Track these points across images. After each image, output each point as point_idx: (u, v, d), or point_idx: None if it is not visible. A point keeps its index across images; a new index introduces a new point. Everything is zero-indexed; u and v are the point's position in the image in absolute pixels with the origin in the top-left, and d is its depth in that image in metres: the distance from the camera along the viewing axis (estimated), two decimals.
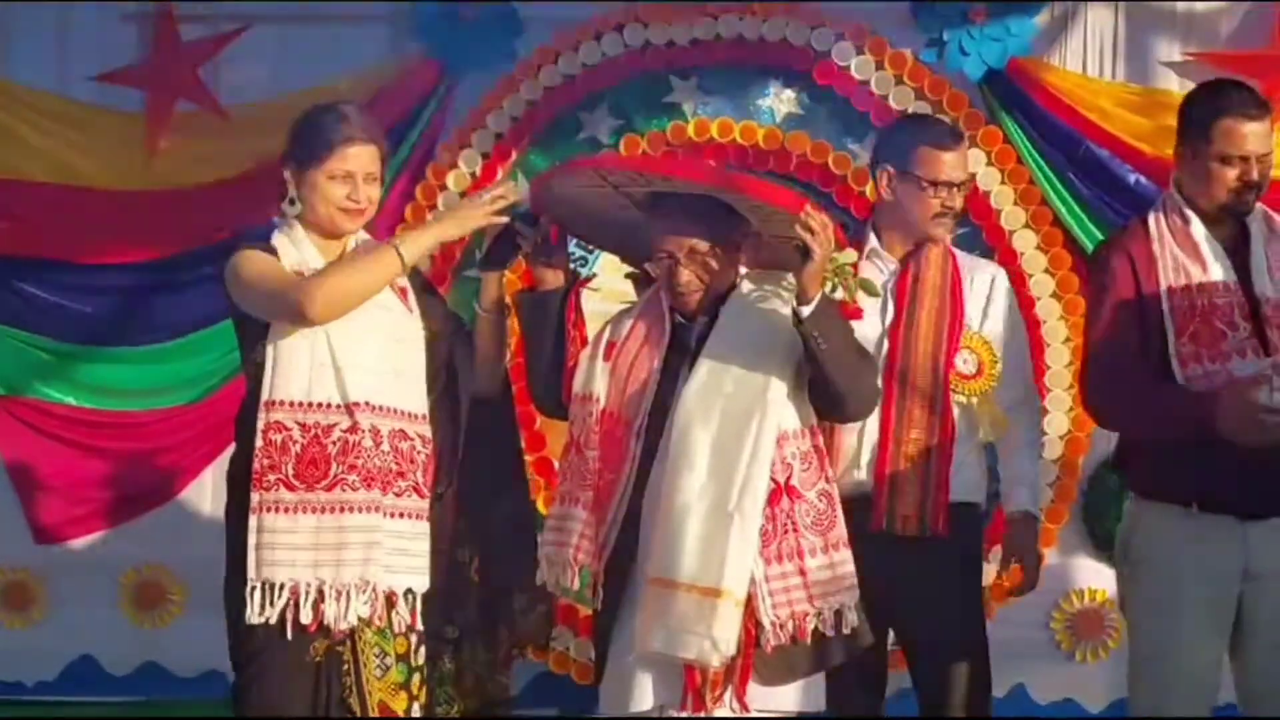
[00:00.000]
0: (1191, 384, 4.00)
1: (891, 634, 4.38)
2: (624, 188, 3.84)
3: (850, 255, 3.90)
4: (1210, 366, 4.01)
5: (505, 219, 3.88)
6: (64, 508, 6.15)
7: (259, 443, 3.73)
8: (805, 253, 3.64)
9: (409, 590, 3.82)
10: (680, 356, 3.84)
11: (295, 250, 3.87)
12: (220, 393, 5.86)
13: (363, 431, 3.75)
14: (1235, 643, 4.11)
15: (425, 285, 4.11)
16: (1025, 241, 5.69)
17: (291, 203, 3.90)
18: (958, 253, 4.46)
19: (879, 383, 4.01)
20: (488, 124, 5.89)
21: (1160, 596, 4.10)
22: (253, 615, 3.69)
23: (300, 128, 3.92)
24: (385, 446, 3.79)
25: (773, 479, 3.70)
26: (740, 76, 5.84)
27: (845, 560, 3.73)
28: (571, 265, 4.08)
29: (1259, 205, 4.18)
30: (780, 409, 3.72)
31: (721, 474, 3.67)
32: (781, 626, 3.67)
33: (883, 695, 4.43)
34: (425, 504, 3.87)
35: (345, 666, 3.79)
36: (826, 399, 3.75)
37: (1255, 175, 4.07)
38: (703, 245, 3.77)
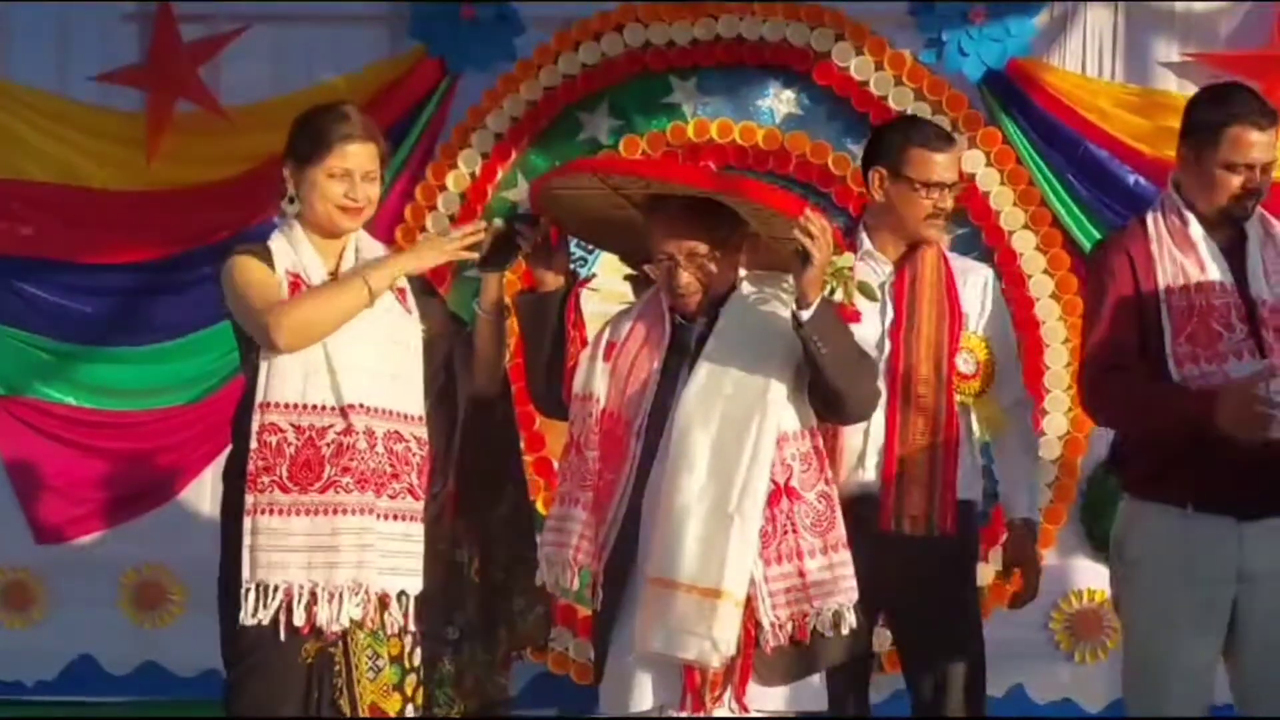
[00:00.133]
0: (1188, 385, 3.99)
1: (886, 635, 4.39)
2: (623, 189, 3.84)
3: (849, 259, 3.91)
4: (1207, 367, 3.99)
5: (473, 255, 3.86)
6: (64, 508, 6.16)
7: (253, 444, 3.72)
8: (804, 257, 3.63)
9: (402, 592, 3.82)
10: (680, 357, 3.83)
11: (292, 251, 3.86)
12: (220, 393, 5.86)
13: (357, 434, 3.74)
14: (1230, 643, 4.08)
15: (425, 286, 4.10)
16: (1024, 242, 5.69)
17: (291, 201, 3.90)
18: (949, 254, 4.46)
19: (879, 385, 4.00)
20: (487, 124, 5.90)
21: (1155, 597, 4.09)
22: (246, 616, 3.69)
23: (299, 126, 3.91)
24: (380, 448, 3.78)
25: (772, 480, 3.68)
26: (740, 77, 5.84)
27: (844, 561, 3.72)
28: (571, 266, 4.07)
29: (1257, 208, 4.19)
30: (780, 410, 3.71)
31: (721, 475, 3.66)
32: (781, 627, 3.66)
33: (867, 689, 4.42)
34: (419, 506, 3.86)
35: (336, 668, 3.78)
36: (826, 401, 3.74)
37: (1258, 183, 4.06)
38: (702, 248, 3.76)
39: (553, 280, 3.93)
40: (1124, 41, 5.81)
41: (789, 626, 3.67)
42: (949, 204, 4.32)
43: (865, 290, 3.97)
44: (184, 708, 5.83)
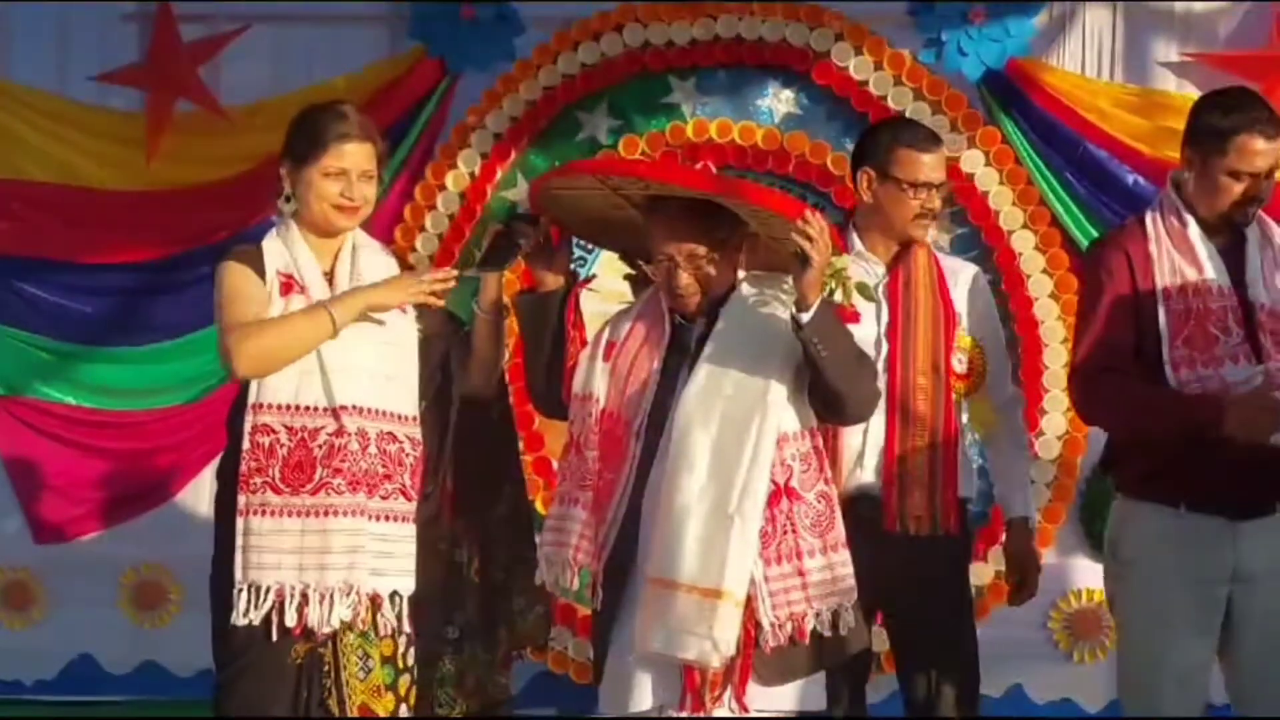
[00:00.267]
0: (1185, 389, 3.97)
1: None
2: (622, 190, 3.83)
3: (847, 260, 3.91)
4: (1203, 371, 3.98)
5: (439, 302, 3.85)
6: (64, 507, 6.15)
7: (246, 445, 3.73)
8: (803, 259, 3.62)
9: (395, 593, 3.81)
10: (680, 357, 3.82)
11: (286, 251, 3.85)
12: (219, 392, 5.83)
13: (349, 435, 3.74)
14: (1225, 643, 4.08)
15: None
16: (1023, 241, 5.69)
17: (287, 200, 3.89)
18: (939, 254, 4.47)
19: (879, 385, 4.00)
20: (487, 124, 5.89)
21: (1149, 597, 4.07)
22: (238, 617, 3.69)
23: (296, 125, 3.90)
24: (373, 449, 3.77)
25: (772, 481, 3.66)
26: (739, 77, 5.83)
27: (844, 561, 3.71)
28: (571, 266, 4.06)
29: None
30: (780, 411, 3.70)
31: (722, 476, 3.64)
32: (780, 627, 3.64)
33: (864, 689, 4.41)
34: (412, 507, 3.84)
35: (326, 668, 3.78)
36: (827, 402, 3.73)
37: (1262, 191, 4.04)
38: (701, 249, 3.74)
39: (553, 280, 3.92)
40: (1123, 42, 5.81)
41: (788, 627, 3.65)
42: (937, 204, 4.32)
43: (863, 291, 3.97)
44: (183, 708, 5.82)
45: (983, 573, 5.63)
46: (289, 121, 3.94)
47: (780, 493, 3.68)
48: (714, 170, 4.12)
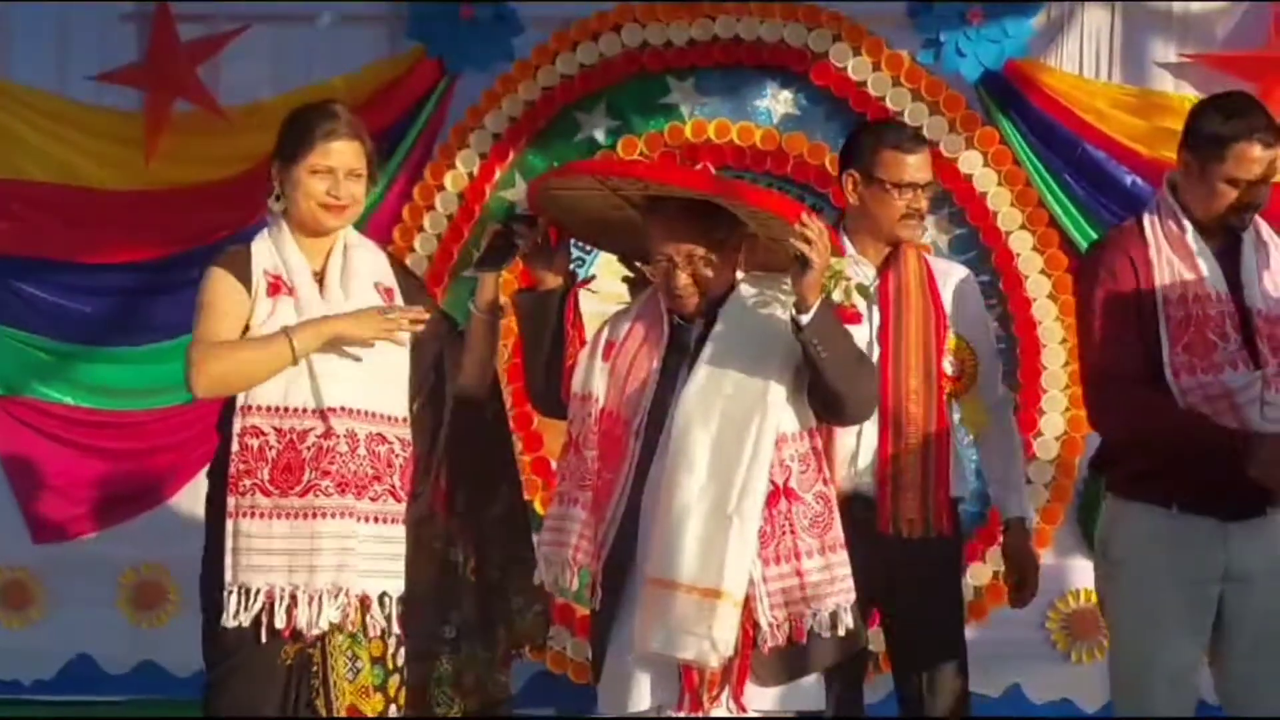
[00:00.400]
0: (1187, 395, 3.97)
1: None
2: (621, 190, 3.82)
3: (846, 261, 3.90)
4: (1204, 378, 3.98)
5: (401, 344, 3.81)
6: (62, 507, 6.14)
7: (235, 447, 3.73)
8: (803, 261, 3.61)
9: (384, 594, 3.80)
10: (679, 358, 3.81)
11: (275, 252, 3.84)
12: None
13: (337, 436, 3.73)
14: (1215, 643, 4.08)
15: (416, 286, 4.08)
16: (1022, 242, 5.66)
17: (277, 199, 3.87)
18: (928, 257, 4.49)
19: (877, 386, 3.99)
20: (485, 124, 5.87)
21: (1141, 597, 4.08)
22: (228, 619, 3.68)
23: (286, 124, 3.90)
24: (362, 450, 3.76)
25: (771, 481, 3.65)
26: (737, 77, 5.81)
27: (842, 562, 3.69)
28: (570, 266, 4.04)
29: None
30: (779, 411, 3.69)
31: (721, 476, 3.63)
32: (779, 627, 3.63)
33: (861, 689, 4.41)
34: (402, 508, 3.84)
35: (314, 669, 3.77)
36: (826, 403, 3.72)
37: (1259, 198, 4.05)
38: (699, 249, 3.73)
39: (552, 281, 3.91)
40: (1121, 42, 5.78)
41: (786, 627, 3.65)
42: (923, 204, 4.33)
43: (862, 292, 3.98)
44: (181, 707, 5.78)
45: (981, 574, 5.62)
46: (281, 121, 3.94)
47: (779, 493, 3.67)
48: (713, 171, 4.09)
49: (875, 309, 4.25)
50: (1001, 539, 4.53)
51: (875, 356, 4.19)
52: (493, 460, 4.26)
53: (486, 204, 5.86)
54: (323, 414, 3.73)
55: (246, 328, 3.79)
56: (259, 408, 3.73)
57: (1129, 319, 4.03)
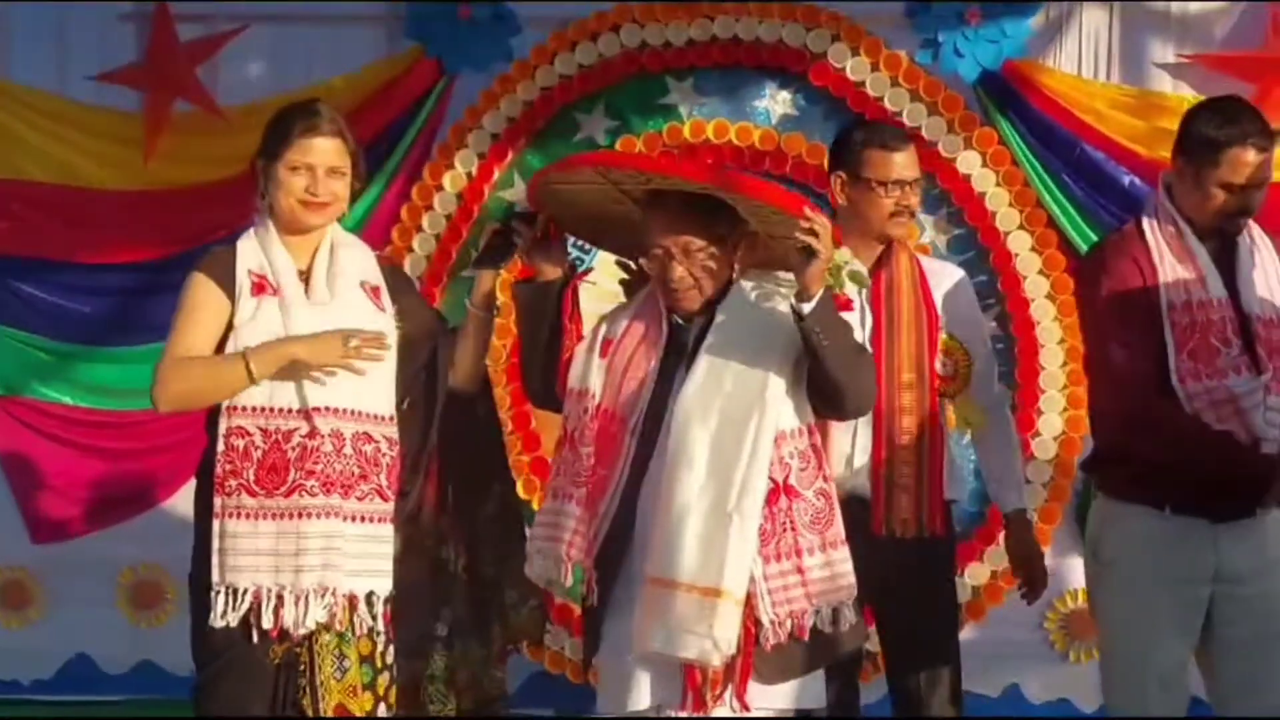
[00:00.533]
0: (1193, 401, 3.96)
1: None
2: (622, 184, 3.80)
3: (845, 254, 3.92)
4: (1209, 383, 3.97)
5: (361, 371, 3.75)
6: (61, 507, 6.14)
7: (221, 447, 3.70)
8: (808, 252, 3.60)
9: (371, 593, 3.78)
10: (677, 357, 3.78)
11: (260, 252, 3.81)
12: None
13: (322, 436, 3.70)
14: (1204, 643, 4.07)
15: (404, 284, 4.05)
16: (1020, 243, 5.64)
17: (262, 197, 3.86)
18: (921, 257, 4.49)
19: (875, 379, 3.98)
20: (484, 124, 5.86)
21: (1132, 598, 4.06)
22: (216, 619, 3.67)
23: (269, 123, 3.87)
24: (348, 450, 3.73)
25: (771, 478, 3.63)
26: (736, 77, 5.79)
27: (843, 559, 3.67)
28: (570, 260, 4.02)
29: None
30: (779, 408, 3.66)
31: (721, 474, 3.61)
32: (780, 625, 3.61)
33: (857, 687, 4.43)
34: (389, 507, 3.80)
35: (301, 668, 3.76)
36: (826, 396, 3.69)
37: (1253, 203, 4.03)
38: (698, 243, 3.71)
39: (551, 272, 3.89)
40: (1119, 43, 5.77)
41: (788, 624, 3.62)
42: (911, 201, 4.33)
43: (856, 277, 3.99)
44: (180, 707, 5.71)
45: (979, 574, 5.62)
46: None
47: (779, 490, 3.64)
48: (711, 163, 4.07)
49: (868, 311, 4.25)
50: (1004, 534, 4.52)
51: None
52: (485, 458, 4.25)
53: (485, 204, 5.85)
54: (307, 414, 3.69)
55: (230, 328, 3.75)
56: (244, 408, 3.70)
57: (1150, 329, 4.00)
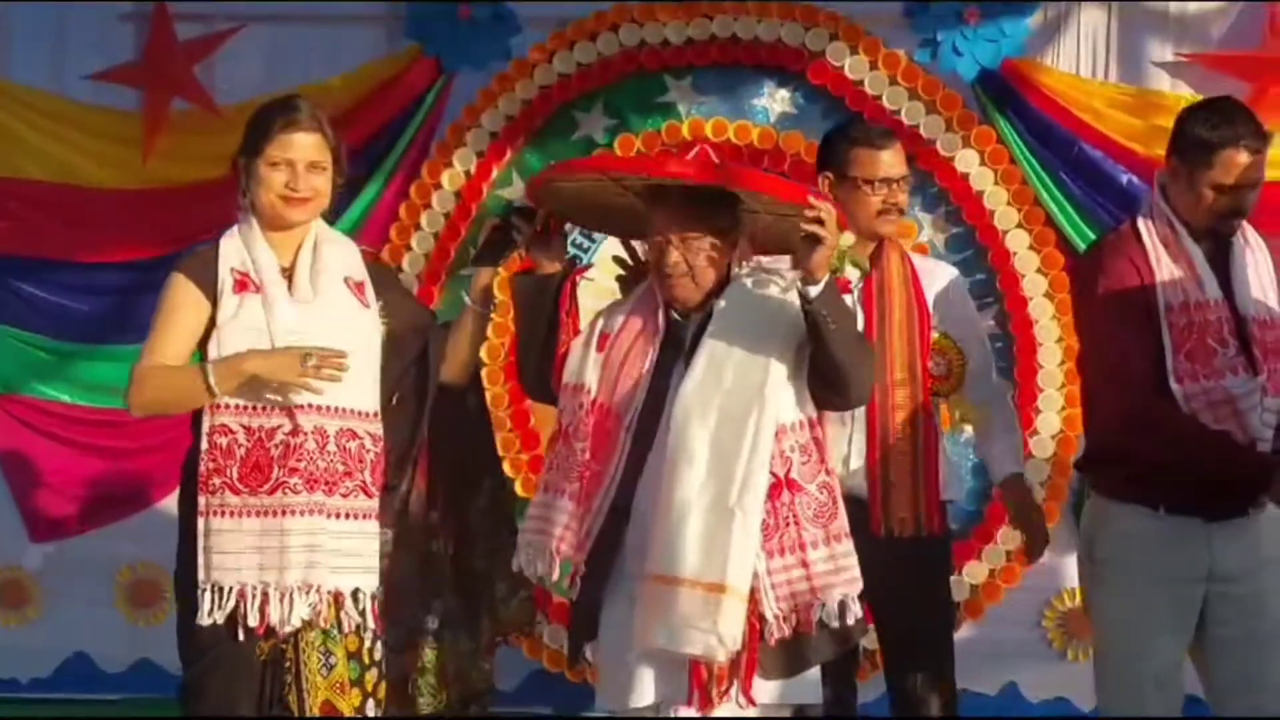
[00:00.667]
0: (1190, 401, 3.94)
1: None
2: (624, 180, 3.78)
3: (849, 238, 3.95)
4: (1206, 384, 3.95)
5: (319, 390, 3.71)
6: (60, 505, 6.13)
7: (204, 445, 3.68)
8: (814, 238, 3.58)
9: (357, 590, 3.75)
10: (674, 353, 3.77)
11: (243, 249, 3.79)
12: None
13: (305, 433, 3.68)
14: (1199, 642, 4.06)
15: (391, 281, 4.03)
16: (1018, 241, 5.62)
17: (244, 195, 3.83)
18: (913, 255, 4.48)
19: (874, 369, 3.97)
20: (483, 122, 5.84)
21: (1126, 597, 4.05)
22: (203, 617, 3.66)
23: (249, 121, 3.85)
24: (332, 447, 3.71)
25: (772, 473, 3.61)
26: (735, 76, 5.78)
27: (847, 551, 3.65)
28: (569, 254, 4.01)
29: None
30: (778, 402, 3.65)
31: (721, 470, 3.59)
32: (785, 619, 3.60)
33: (854, 685, 4.45)
34: (374, 504, 3.79)
35: (287, 665, 3.74)
36: (830, 381, 3.66)
37: (1246, 204, 4.01)
38: (700, 235, 3.70)
39: (550, 266, 3.87)
40: (1117, 42, 5.76)
41: (794, 619, 3.61)
42: (899, 199, 4.34)
43: (856, 261, 4.00)
44: (178, 706, 5.76)
45: (977, 572, 5.61)
46: None
47: (781, 485, 3.63)
48: (713, 156, 4.05)
49: (860, 311, 4.24)
50: (1003, 499, 4.54)
51: None
52: (475, 451, 4.23)
53: (484, 202, 5.83)
54: (290, 411, 3.67)
55: (213, 324, 3.73)
56: (228, 406, 3.68)
57: (1149, 330, 3.98)
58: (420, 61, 5.90)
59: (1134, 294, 4.00)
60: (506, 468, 5.64)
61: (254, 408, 3.68)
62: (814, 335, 3.60)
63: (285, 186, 3.77)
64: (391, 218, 5.87)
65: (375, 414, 3.80)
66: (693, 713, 3.60)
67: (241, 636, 3.67)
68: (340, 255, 3.87)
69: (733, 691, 3.59)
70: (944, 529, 4.36)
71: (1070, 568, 5.62)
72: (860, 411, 4.14)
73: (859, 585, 3.66)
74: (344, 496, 3.73)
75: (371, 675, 3.82)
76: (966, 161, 5.62)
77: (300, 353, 3.64)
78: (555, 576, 3.74)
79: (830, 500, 3.66)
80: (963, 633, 5.31)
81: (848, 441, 4.20)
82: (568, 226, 3.97)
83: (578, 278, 3.90)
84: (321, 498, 3.69)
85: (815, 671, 3.72)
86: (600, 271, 4.88)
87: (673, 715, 3.62)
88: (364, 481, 3.76)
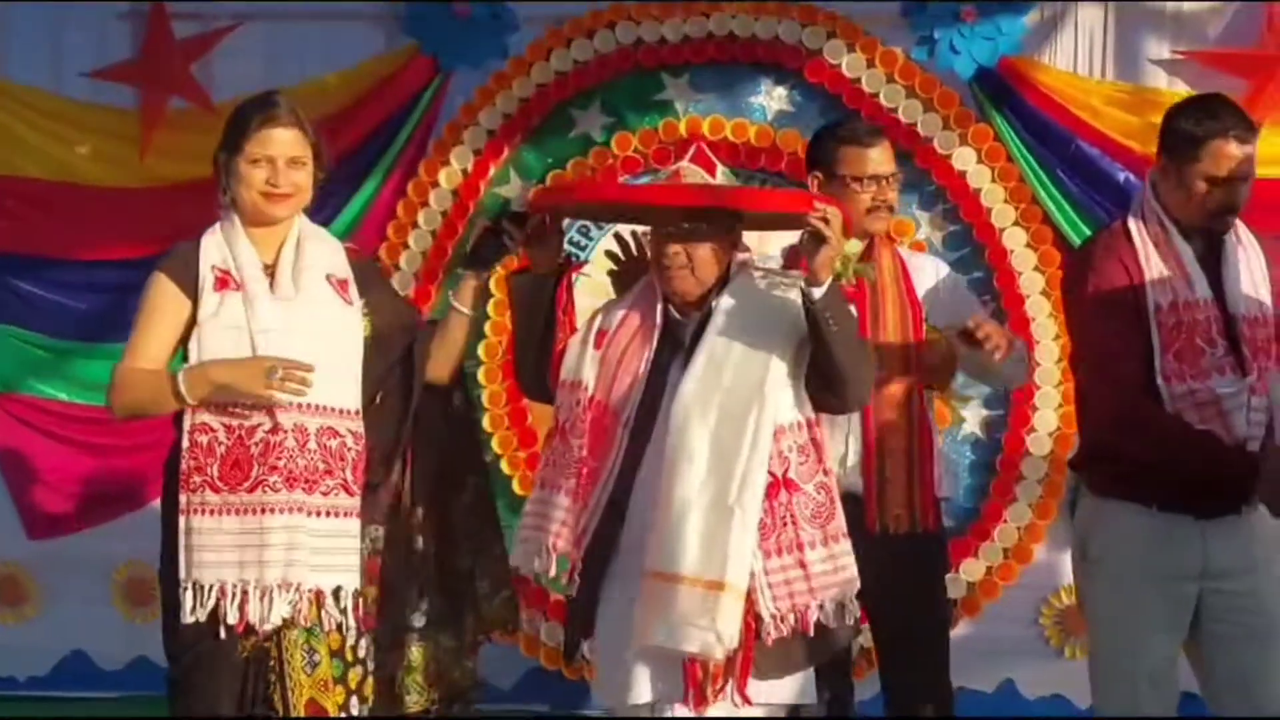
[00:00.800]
0: (1176, 402, 3.93)
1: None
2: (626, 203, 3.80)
3: (856, 245, 3.94)
4: (1193, 384, 3.94)
5: (283, 404, 3.69)
6: (57, 503, 6.11)
7: (185, 443, 3.67)
8: (818, 239, 3.57)
9: (338, 588, 3.73)
10: (672, 350, 3.76)
11: (224, 247, 3.79)
12: None
13: (285, 432, 3.66)
14: (1194, 639, 4.05)
15: (376, 278, 4.01)
16: (1015, 239, 5.61)
17: (224, 192, 3.81)
18: (903, 251, 4.50)
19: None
20: (480, 120, 5.83)
21: (1120, 595, 4.04)
22: (185, 615, 3.65)
23: (228, 118, 3.85)
24: (312, 445, 3.69)
25: (770, 472, 3.61)
26: (732, 74, 5.76)
27: (845, 551, 3.65)
28: (566, 253, 3.99)
29: None
30: (777, 402, 3.65)
31: (721, 468, 3.59)
32: (782, 619, 3.59)
33: (851, 683, 4.46)
34: (355, 502, 3.77)
35: (271, 663, 3.72)
36: (829, 383, 3.66)
37: (1238, 199, 4.00)
38: (701, 240, 3.69)
39: (546, 264, 3.85)
40: (1115, 40, 5.73)
41: (790, 618, 3.60)
42: (889, 196, 4.35)
43: (863, 271, 3.99)
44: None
45: (974, 569, 5.60)
46: None
47: (779, 484, 3.63)
48: (710, 155, 4.03)
49: (853, 309, 4.23)
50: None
51: None
52: (460, 450, 4.22)
53: (481, 200, 5.82)
54: (270, 409, 3.66)
55: (194, 322, 3.72)
56: (209, 404, 3.66)
57: (1128, 323, 3.97)
58: (417, 59, 5.88)
59: (1123, 293, 3.99)
60: (504, 465, 5.63)
61: (234, 405, 3.66)
62: (815, 336, 3.59)
63: (266, 183, 3.76)
64: (389, 216, 5.86)
65: (357, 412, 3.77)
66: (687, 712, 3.59)
67: (223, 634, 3.66)
68: (323, 252, 3.84)
69: (728, 690, 3.58)
70: (939, 526, 4.35)
71: (1067, 565, 5.61)
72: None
73: (856, 585, 3.66)
74: (324, 495, 3.71)
75: (356, 673, 3.81)
76: (963, 159, 5.61)
77: (266, 365, 3.62)
78: (552, 572, 3.73)
79: (828, 500, 3.65)
80: (960, 630, 5.30)
81: (845, 440, 4.19)
82: (565, 223, 3.96)
83: (574, 275, 3.89)
84: (301, 496, 3.67)
85: (811, 671, 3.71)
86: (596, 268, 4.88)
87: (668, 714, 3.61)
88: (345, 480, 3.74)
